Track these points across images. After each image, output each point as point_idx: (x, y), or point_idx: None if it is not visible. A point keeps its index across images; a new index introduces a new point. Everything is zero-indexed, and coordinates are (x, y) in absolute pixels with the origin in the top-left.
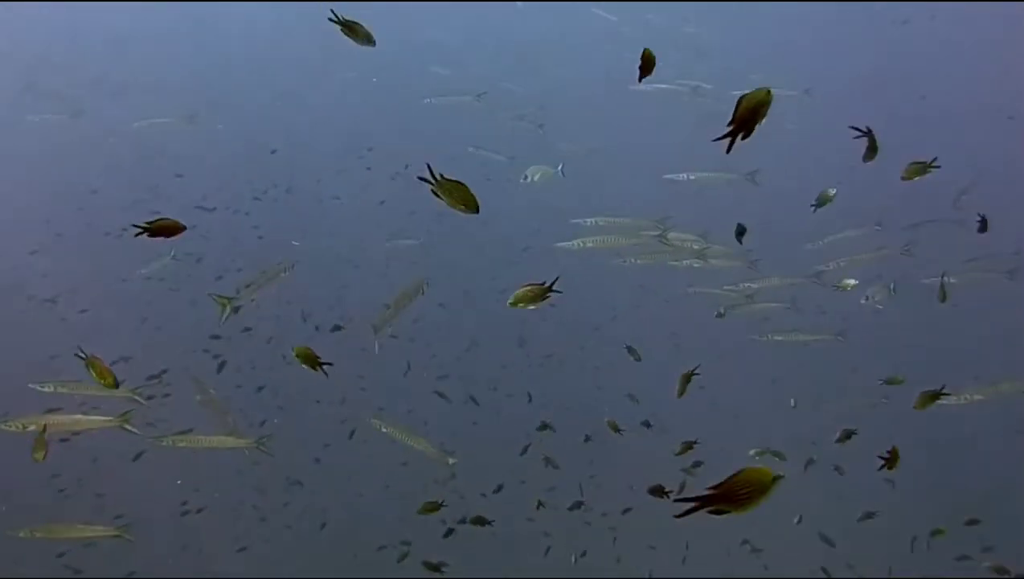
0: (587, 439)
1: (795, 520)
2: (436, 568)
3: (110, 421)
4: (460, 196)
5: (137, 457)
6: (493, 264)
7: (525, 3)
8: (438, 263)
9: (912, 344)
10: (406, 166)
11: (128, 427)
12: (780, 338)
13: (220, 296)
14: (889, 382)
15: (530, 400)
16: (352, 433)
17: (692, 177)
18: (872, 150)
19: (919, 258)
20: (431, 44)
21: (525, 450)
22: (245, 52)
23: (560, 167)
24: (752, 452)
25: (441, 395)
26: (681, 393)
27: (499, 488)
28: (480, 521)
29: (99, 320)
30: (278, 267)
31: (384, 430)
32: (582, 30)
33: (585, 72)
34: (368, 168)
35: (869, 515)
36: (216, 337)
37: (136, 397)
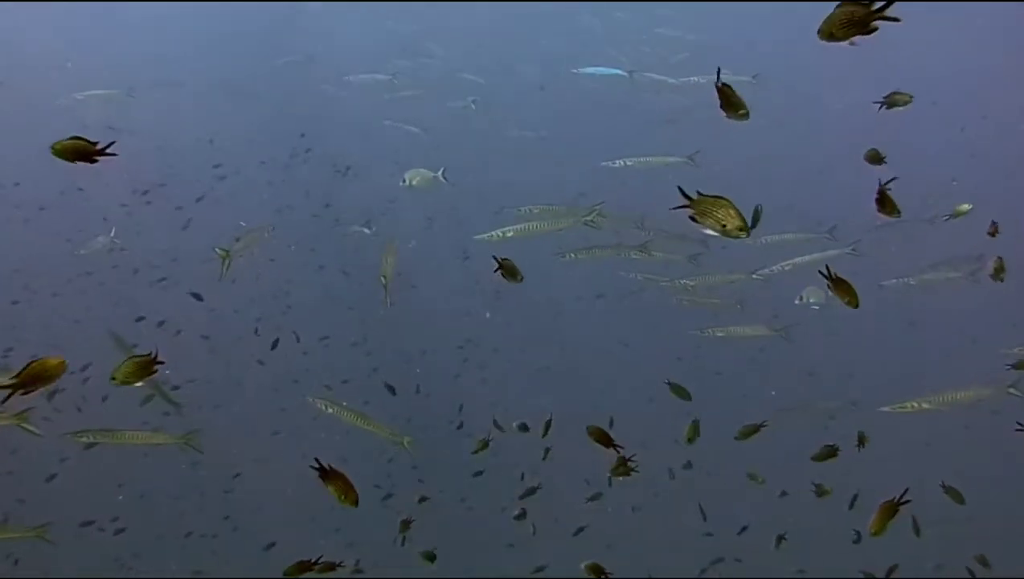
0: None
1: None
2: (332, 567)
3: (6, 418)
4: (726, 215)
5: (49, 477)
6: (439, 259)
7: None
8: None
9: (872, 348)
10: (348, 168)
11: (27, 427)
12: (721, 334)
13: (220, 248)
14: (1018, 366)
15: (461, 409)
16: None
17: (630, 163)
18: (887, 207)
19: (879, 261)
20: (391, 35)
21: (478, 473)
22: (186, 35)
23: (441, 171)
24: None
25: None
26: None
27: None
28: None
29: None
30: (260, 229)
31: (330, 411)
32: (543, 23)
33: (541, 63)
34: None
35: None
36: (140, 318)
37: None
